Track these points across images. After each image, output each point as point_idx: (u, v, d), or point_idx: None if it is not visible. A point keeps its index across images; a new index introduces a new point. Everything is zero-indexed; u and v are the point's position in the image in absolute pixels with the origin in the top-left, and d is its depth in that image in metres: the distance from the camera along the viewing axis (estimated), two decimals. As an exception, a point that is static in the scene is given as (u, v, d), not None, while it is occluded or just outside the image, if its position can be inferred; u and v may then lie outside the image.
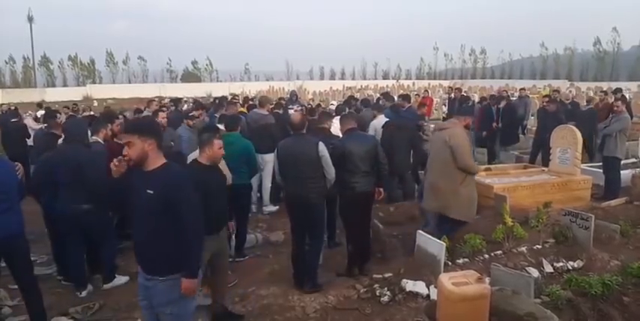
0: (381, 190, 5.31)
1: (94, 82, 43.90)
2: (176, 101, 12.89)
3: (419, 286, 4.50)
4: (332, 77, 51.90)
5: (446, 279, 3.59)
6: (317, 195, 4.77)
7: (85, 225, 4.87)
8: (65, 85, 43.84)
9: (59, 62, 46.01)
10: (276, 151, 4.97)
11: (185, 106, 10.70)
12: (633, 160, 9.43)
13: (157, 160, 2.95)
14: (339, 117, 7.35)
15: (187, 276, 2.94)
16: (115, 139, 6.27)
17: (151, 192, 2.86)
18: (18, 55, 45.74)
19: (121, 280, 5.21)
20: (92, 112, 12.60)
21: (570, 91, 26.48)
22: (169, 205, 2.85)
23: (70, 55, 46.27)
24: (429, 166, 5.49)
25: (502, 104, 10.98)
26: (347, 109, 8.96)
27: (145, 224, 2.95)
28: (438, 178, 5.31)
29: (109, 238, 5.19)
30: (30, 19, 45.14)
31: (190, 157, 4.84)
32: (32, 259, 4.47)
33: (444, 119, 13.89)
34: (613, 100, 10.17)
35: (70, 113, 11.09)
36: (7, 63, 46.28)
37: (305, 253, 4.91)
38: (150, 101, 10.14)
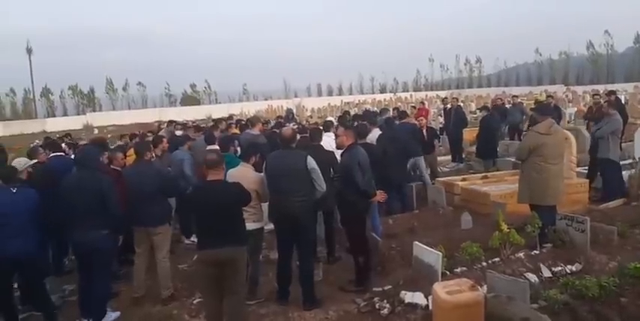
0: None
1: (94, 110, 44.30)
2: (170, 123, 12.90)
3: (417, 297, 4.49)
4: (330, 93, 52.29)
5: (440, 288, 3.63)
6: (306, 209, 4.81)
7: (98, 251, 4.74)
8: (65, 114, 44.24)
9: (60, 92, 46.58)
10: (264, 164, 5.02)
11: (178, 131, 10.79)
12: (630, 160, 9.44)
13: None
14: (329, 133, 7.44)
15: None
16: (111, 166, 6.38)
17: None
18: (19, 87, 46.35)
19: (111, 316, 4.93)
20: (83, 142, 12.70)
21: (567, 96, 26.68)
22: None
23: (70, 85, 46.86)
24: (549, 165, 5.70)
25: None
26: (334, 124, 8.96)
27: None
28: (562, 173, 5.88)
29: (107, 269, 5.08)
30: (29, 51, 45.85)
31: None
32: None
33: (441, 130, 14.03)
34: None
35: (68, 141, 11.20)
36: (7, 95, 46.87)
37: (290, 268, 4.97)
38: (143, 134, 10.21)
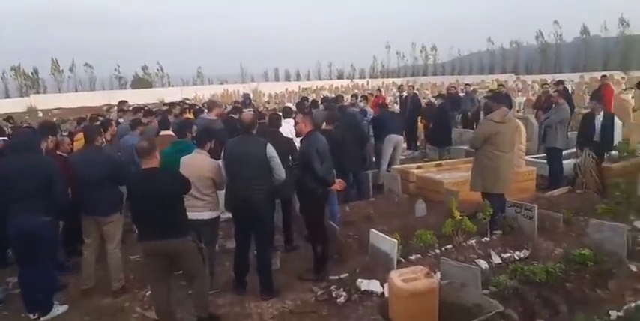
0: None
1: (38, 92, 42.12)
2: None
3: (373, 285, 4.58)
4: (287, 78, 51.74)
5: (396, 276, 3.67)
6: (264, 198, 4.75)
7: (41, 239, 4.51)
8: (8, 96, 41.84)
9: (2, 73, 43.93)
10: (222, 150, 4.90)
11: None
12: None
13: None
14: (289, 119, 7.36)
15: None
16: (57, 152, 6.09)
17: None
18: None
19: (59, 309, 4.74)
20: (28, 124, 12.08)
21: (517, 85, 27.51)
22: None
23: (13, 65, 44.24)
24: (502, 153, 5.81)
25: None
26: (294, 110, 8.91)
27: None
28: (512, 161, 6.04)
29: (52, 259, 4.89)
30: (-34, 28, 42.95)
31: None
32: None
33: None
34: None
35: (10, 126, 10.59)
36: (-57, 76, 43.79)
37: (247, 257, 4.94)
38: (93, 117, 9.72)
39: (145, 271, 4.58)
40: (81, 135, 6.89)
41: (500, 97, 6.50)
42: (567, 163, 8.27)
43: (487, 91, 13.82)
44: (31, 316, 4.62)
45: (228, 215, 7.39)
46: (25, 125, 10.97)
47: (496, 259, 5.03)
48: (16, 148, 4.69)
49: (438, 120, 10.95)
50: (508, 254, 5.11)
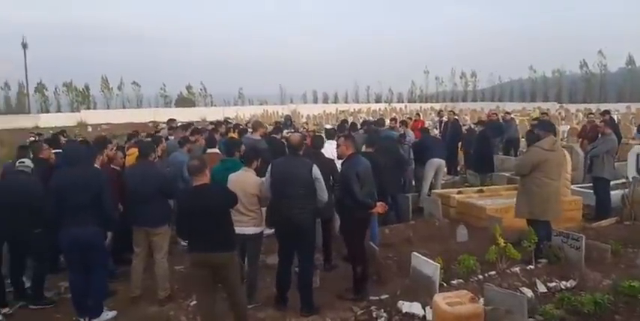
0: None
1: (88, 108, 44.09)
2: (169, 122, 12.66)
3: (415, 308, 4.54)
4: (325, 101, 52.43)
5: (440, 299, 3.68)
6: (308, 216, 4.85)
7: (96, 247, 4.78)
8: (59, 111, 43.97)
9: (55, 88, 46.28)
10: (269, 168, 5.02)
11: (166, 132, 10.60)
12: (623, 180, 9.58)
13: None
14: (331, 141, 7.48)
15: None
16: (111, 165, 6.38)
17: None
18: (14, 81, 46.06)
19: (108, 315, 4.92)
20: (83, 138, 12.66)
21: (560, 113, 26.98)
22: None
23: (65, 82, 46.60)
24: (550, 180, 5.80)
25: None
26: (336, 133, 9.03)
27: None
28: (560, 190, 6.07)
29: (105, 266, 5.12)
30: (24, 46, 45.63)
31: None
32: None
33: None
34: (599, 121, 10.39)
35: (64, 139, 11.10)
36: (2, 89, 46.55)
37: (290, 274, 5.02)
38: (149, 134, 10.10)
39: (192, 282, 4.72)
40: (133, 150, 7.21)
41: (548, 125, 6.43)
42: (615, 194, 8.06)
43: (532, 119, 13.61)
44: (82, 320, 4.80)
45: (269, 231, 7.55)
46: (79, 139, 11.48)
47: (541, 288, 4.92)
48: (70, 161, 5.01)
49: (479, 146, 10.89)
50: (554, 283, 4.99)
